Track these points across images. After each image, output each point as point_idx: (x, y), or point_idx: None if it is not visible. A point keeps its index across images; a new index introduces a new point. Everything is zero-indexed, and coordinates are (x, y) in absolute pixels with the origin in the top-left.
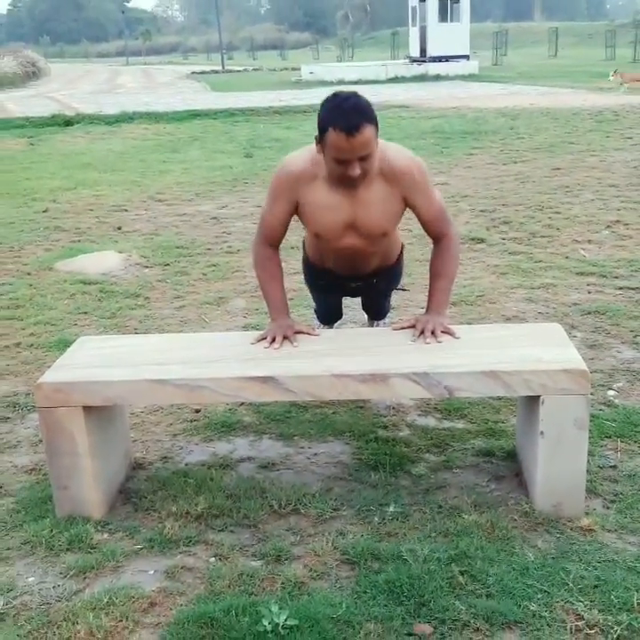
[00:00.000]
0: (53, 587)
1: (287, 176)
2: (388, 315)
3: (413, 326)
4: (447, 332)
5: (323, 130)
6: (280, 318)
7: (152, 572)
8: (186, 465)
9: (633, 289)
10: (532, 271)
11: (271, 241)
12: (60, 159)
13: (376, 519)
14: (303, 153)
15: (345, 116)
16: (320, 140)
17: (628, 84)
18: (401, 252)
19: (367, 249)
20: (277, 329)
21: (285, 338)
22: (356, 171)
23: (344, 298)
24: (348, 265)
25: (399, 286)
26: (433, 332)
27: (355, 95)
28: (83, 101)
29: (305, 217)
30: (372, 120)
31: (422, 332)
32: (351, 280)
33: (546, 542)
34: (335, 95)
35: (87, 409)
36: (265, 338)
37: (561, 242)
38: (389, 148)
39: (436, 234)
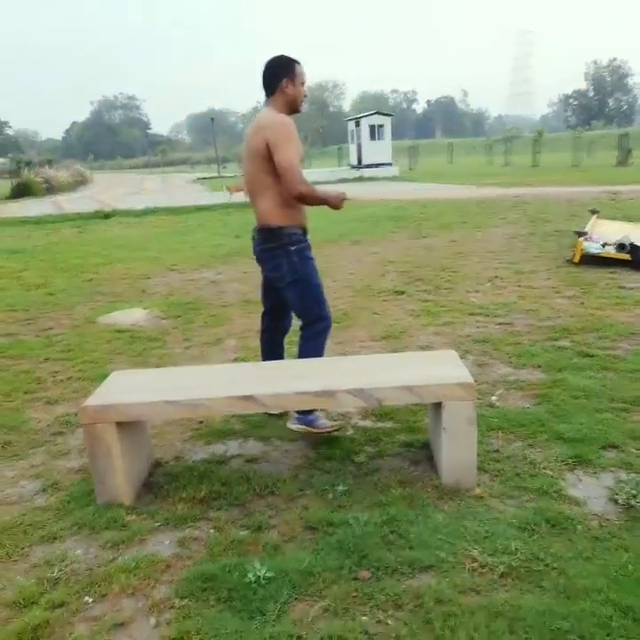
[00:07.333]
0: (95, 556)
1: (291, 121)
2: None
3: None
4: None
5: (291, 68)
6: (331, 192)
7: (168, 542)
8: (192, 462)
9: (507, 324)
10: (437, 313)
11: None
12: (101, 243)
13: (330, 496)
14: (275, 112)
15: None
16: (292, 75)
17: (234, 193)
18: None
19: None
20: (336, 197)
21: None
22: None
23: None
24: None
25: None
26: None
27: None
28: (118, 201)
29: None
30: None
31: None
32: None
33: (450, 507)
34: (277, 57)
35: (119, 424)
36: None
37: (457, 292)
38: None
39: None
